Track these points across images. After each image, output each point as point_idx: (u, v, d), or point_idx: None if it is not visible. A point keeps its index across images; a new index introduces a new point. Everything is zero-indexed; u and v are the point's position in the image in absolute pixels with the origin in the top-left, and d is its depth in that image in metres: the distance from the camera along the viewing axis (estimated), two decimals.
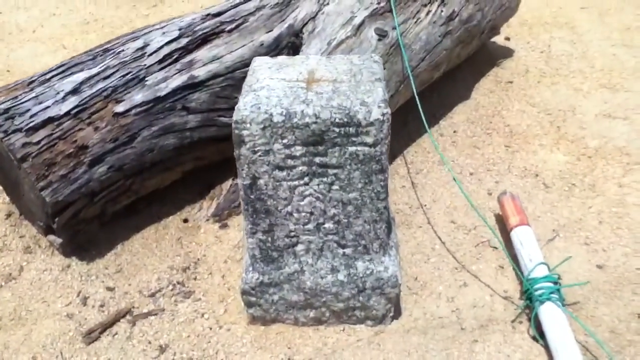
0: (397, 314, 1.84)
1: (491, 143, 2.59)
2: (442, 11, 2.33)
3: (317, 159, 1.49)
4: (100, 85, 1.95)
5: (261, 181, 1.53)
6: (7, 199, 2.26)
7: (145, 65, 2.01)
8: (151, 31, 2.15)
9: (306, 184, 1.54)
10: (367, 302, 1.74)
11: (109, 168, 1.93)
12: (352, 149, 1.47)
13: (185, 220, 2.23)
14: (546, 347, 1.71)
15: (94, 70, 1.98)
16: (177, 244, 2.14)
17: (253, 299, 1.75)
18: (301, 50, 2.13)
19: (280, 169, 1.51)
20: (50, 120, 1.86)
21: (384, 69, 1.89)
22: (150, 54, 2.04)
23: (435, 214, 2.23)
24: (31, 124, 1.83)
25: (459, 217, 2.22)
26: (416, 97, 2.09)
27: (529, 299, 1.81)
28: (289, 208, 1.58)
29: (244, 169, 1.52)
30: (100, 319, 1.88)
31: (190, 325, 1.85)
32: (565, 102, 2.84)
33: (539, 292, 1.77)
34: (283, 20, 2.17)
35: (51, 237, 2.02)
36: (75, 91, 1.92)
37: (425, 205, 2.28)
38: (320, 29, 2.12)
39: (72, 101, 1.90)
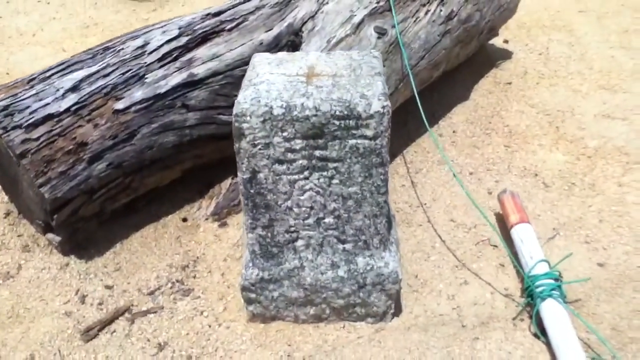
0: (398, 311, 1.83)
1: (490, 143, 2.60)
2: (441, 10, 2.34)
3: (317, 153, 1.49)
4: (100, 82, 1.95)
5: (261, 175, 1.53)
6: (6, 198, 2.25)
7: (145, 63, 2.02)
8: (151, 30, 2.15)
9: (306, 178, 1.53)
10: (367, 299, 1.73)
11: (108, 165, 1.93)
12: (352, 142, 1.47)
13: (185, 219, 2.22)
14: (548, 344, 1.70)
15: (94, 68, 1.98)
16: (176, 243, 2.13)
17: (253, 295, 1.74)
18: (301, 49, 2.14)
19: (280, 162, 1.51)
20: (49, 117, 1.85)
21: (384, 66, 1.89)
22: (150, 52, 2.04)
23: (435, 213, 2.23)
24: (31, 121, 1.83)
25: (459, 216, 2.21)
26: (416, 95, 2.10)
27: (530, 296, 1.81)
28: (288, 203, 1.58)
29: (243, 163, 1.51)
30: (98, 317, 1.86)
31: (190, 323, 1.84)
32: (564, 103, 2.84)
33: (540, 288, 1.76)
34: (283, 19, 2.17)
35: (50, 235, 2.01)
36: (75, 88, 1.92)
37: (425, 204, 2.27)
38: (319, 27, 2.13)
39: (72, 98, 1.90)
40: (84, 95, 1.91)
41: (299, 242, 1.66)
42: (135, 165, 2.00)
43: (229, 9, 2.20)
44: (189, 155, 2.14)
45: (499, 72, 3.10)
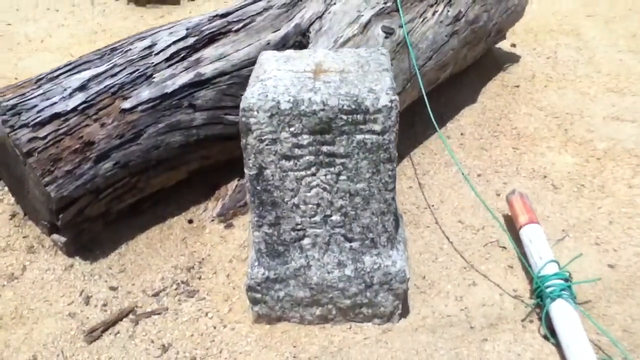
0: (405, 312, 1.80)
1: (499, 145, 2.58)
2: (448, 11, 2.34)
3: (325, 148, 1.48)
4: (108, 82, 1.95)
5: (268, 171, 1.52)
6: (12, 200, 2.25)
7: (152, 63, 2.02)
8: (159, 31, 2.16)
9: (313, 174, 1.52)
10: (374, 299, 1.71)
11: (114, 164, 1.92)
12: (359, 137, 1.46)
13: (190, 221, 2.21)
14: (557, 346, 1.67)
15: (102, 68, 1.99)
16: (182, 244, 2.12)
17: (258, 295, 1.72)
18: (308, 49, 2.13)
19: (287, 158, 1.49)
20: (56, 115, 1.85)
21: (391, 66, 1.88)
22: (158, 53, 2.04)
23: (442, 214, 2.21)
24: (38, 119, 1.83)
25: (467, 218, 2.19)
26: (424, 94, 2.08)
27: (540, 297, 1.78)
28: (295, 200, 1.56)
29: (250, 159, 1.50)
30: (102, 318, 1.85)
31: (194, 324, 1.82)
32: (573, 106, 2.82)
33: (550, 289, 1.74)
34: (290, 20, 2.17)
35: (55, 236, 2.01)
36: (82, 88, 1.92)
37: (433, 206, 2.25)
38: (327, 27, 2.12)
39: (79, 97, 1.90)
40: (91, 95, 1.91)
41: (306, 241, 1.64)
42: (142, 165, 2.00)
43: (236, 10, 2.21)
44: (196, 155, 2.13)
45: (507, 76, 3.09)
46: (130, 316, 1.86)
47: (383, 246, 1.65)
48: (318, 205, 1.57)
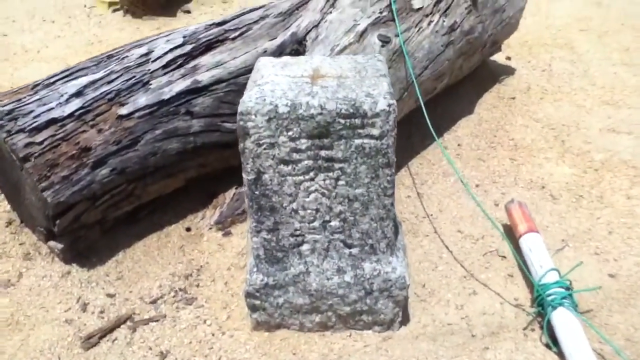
0: (405, 320, 1.78)
1: (496, 156, 2.58)
2: (444, 21, 2.35)
3: (323, 153, 1.47)
4: (104, 88, 1.94)
5: (266, 176, 1.51)
6: (8, 207, 2.23)
7: (149, 70, 2.01)
8: (156, 39, 2.16)
9: (312, 179, 1.51)
10: (374, 306, 1.69)
11: (111, 171, 1.91)
12: (358, 141, 1.45)
13: (188, 229, 2.19)
14: (560, 354, 1.65)
15: (98, 75, 1.98)
16: (180, 252, 2.10)
17: (257, 302, 1.70)
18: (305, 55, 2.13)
19: (285, 163, 1.49)
20: (53, 121, 1.84)
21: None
22: (155, 60, 2.04)
23: (441, 224, 2.20)
24: (34, 125, 1.82)
25: (466, 227, 2.18)
26: (422, 103, 2.09)
27: (541, 305, 1.77)
28: (294, 205, 1.55)
29: (248, 163, 1.49)
30: (100, 325, 1.82)
31: (192, 332, 1.79)
32: (569, 118, 2.83)
33: (551, 297, 1.72)
34: (286, 29, 2.18)
35: (52, 243, 1.98)
36: (79, 94, 1.91)
37: (432, 215, 2.24)
38: (323, 36, 2.13)
39: (76, 103, 1.89)
40: (88, 101, 1.90)
41: (305, 247, 1.63)
42: (139, 172, 1.98)
43: (233, 19, 2.21)
44: (193, 163, 2.12)
45: (503, 88, 3.10)
46: (128, 323, 1.83)
47: (382, 252, 1.64)
48: (317, 210, 1.56)
